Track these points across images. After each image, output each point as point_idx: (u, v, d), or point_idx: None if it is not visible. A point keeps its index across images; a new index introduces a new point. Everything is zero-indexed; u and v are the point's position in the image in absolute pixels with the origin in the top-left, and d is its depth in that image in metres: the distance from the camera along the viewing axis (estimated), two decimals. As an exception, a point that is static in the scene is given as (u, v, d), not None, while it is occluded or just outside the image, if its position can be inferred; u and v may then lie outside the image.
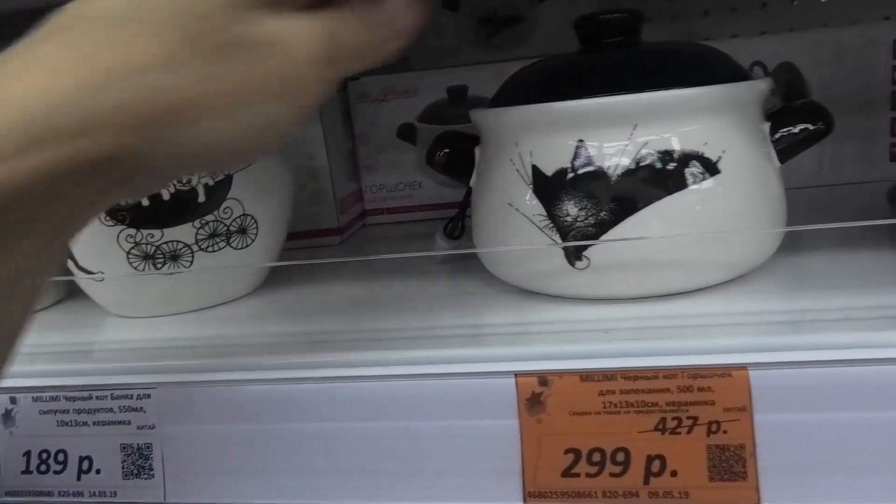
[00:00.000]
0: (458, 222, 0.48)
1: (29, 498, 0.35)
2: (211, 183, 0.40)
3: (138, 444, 0.34)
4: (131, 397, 0.34)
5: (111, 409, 0.34)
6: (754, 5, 0.78)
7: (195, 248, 0.41)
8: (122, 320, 0.43)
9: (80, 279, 0.42)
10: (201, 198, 0.40)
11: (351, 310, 0.40)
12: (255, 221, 0.43)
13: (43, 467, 0.35)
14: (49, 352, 0.38)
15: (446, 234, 0.48)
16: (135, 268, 0.40)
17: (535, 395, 0.30)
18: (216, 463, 0.33)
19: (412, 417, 0.31)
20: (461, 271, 0.45)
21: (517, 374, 0.30)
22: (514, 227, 0.36)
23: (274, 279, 0.47)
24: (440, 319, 0.37)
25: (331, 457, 0.32)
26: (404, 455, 0.31)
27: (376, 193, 0.65)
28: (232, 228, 0.42)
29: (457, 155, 0.42)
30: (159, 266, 0.41)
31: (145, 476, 0.33)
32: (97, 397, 0.34)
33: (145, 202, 0.39)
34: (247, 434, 0.33)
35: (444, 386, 0.30)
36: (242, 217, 0.42)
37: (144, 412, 0.33)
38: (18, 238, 0.21)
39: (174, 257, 0.41)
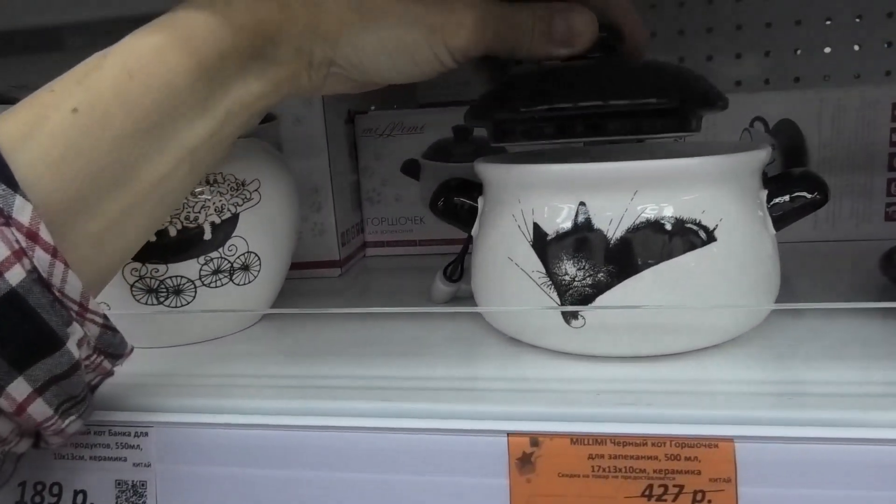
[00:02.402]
0: (457, 265, 0.49)
1: (21, 528, 0.35)
2: (218, 221, 0.41)
3: (133, 481, 0.34)
4: (129, 434, 0.34)
5: (108, 445, 0.34)
6: (758, 53, 0.80)
7: (198, 283, 0.41)
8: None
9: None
10: (207, 235, 0.41)
11: (348, 351, 0.41)
12: (259, 259, 0.43)
13: (37, 499, 0.35)
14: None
15: (446, 277, 0.48)
16: (137, 300, 0.41)
17: (526, 456, 0.30)
18: (210, 503, 0.33)
19: (406, 471, 0.31)
20: (459, 315, 0.46)
21: (510, 434, 0.30)
22: (512, 280, 0.37)
23: (276, 308, 0.48)
24: (436, 370, 0.37)
25: (323, 504, 0.32)
26: (396, 507, 0.31)
27: (378, 226, 0.66)
28: (236, 265, 0.42)
29: (459, 203, 0.42)
30: (162, 300, 0.41)
31: (138, 514, 0.34)
32: (95, 432, 0.35)
33: (152, 238, 0.40)
34: (242, 478, 0.33)
35: (437, 441, 0.31)
36: (247, 254, 0.43)
37: (141, 450, 0.34)
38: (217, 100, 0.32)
39: (177, 292, 0.41)
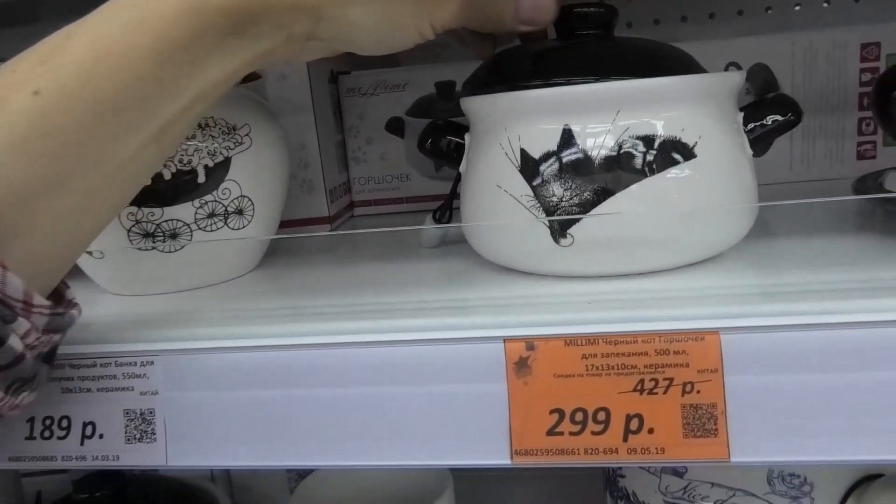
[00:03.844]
0: (446, 209, 0.50)
1: (32, 463, 0.36)
2: (211, 164, 0.42)
3: (141, 410, 0.35)
4: (135, 364, 0.35)
5: (115, 376, 0.35)
6: (731, 12, 0.81)
7: (194, 227, 0.42)
8: (119, 298, 0.45)
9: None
10: (201, 178, 0.42)
11: (343, 288, 0.42)
12: (252, 204, 0.44)
13: (47, 433, 0.36)
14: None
15: (435, 220, 0.50)
16: (134, 245, 0.42)
17: (523, 360, 0.31)
18: (216, 427, 0.34)
19: (407, 382, 0.32)
20: (450, 255, 0.47)
21: (506, 339, 0.32)
22: (502, 207, 0.38)
23: (267, 262, 0.49)
24: (430, 294, 0.38)
25: (327, 420, 0.33)
26: (400, 418, 0.32)
27: (364, 185, 0.67)
28: (230, 209, 0.43)
29: (447, 142, 0.44)
30: (158, 244, 0.42)
31: (147, 440, 0.35)
32: (101, 364, 0.35)
33: (148, 182, 0.40)
34: (246, 400, 0.34)
35: (436, 352, 0.32)
36: (240, 198, 0.43)
37: (147, 378, 0.35)
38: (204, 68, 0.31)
39: (173, 235, 0.42)
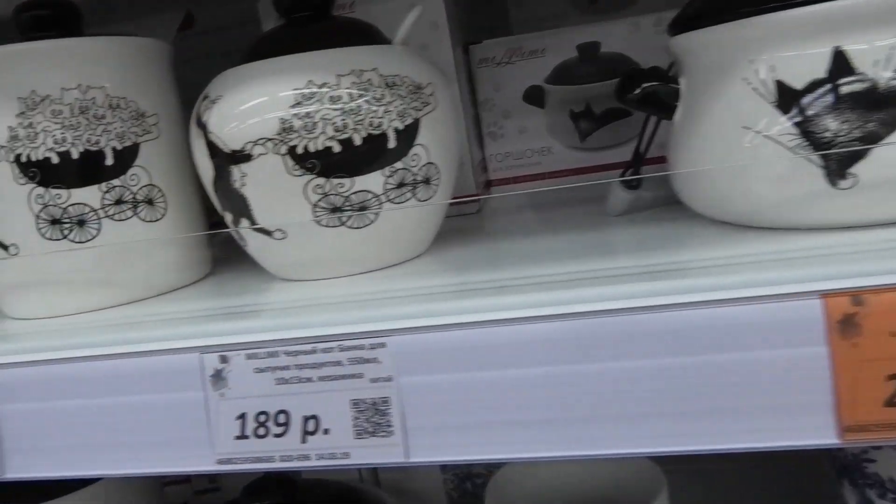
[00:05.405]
0: (637, 171, 0.45)
1: (245, 465, 0.32)
2: (401, 127, 0.37)
3: (372, 399, 0.31)
4: (363, 348, 0.31)
5: (339, 363, 0.31)
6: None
7: (383, 198, 0.38)
8: (298, 284, 0.40)
9: (253, 241, 0.39)
10: (391, 143, 0.37)
11: (548, 257, 0.37)
12: (439, 171, 0.40)
13: (261, 431, 0.32)
14: (246, 311, 0.36)
15: (625, 185, 0.45)
16: (320, 223, 0.38)
17: (848, 317, 0.26)
18: (464, 416, 0.30)
19: (704, 350, 0.27)
20: (654, 220, 0.42)
21: (824, 294, 0.26)
22: (753, 150, 0.33)
23: (439, 242, 0.44)
24: (683, 255, 0.33)
25: (606, 396, 0.29)
26: (695, 391, 0.28)
27: (501, 162, 0.62)
28: (419, 178, 0.39)
29: (656, 89, 0.39)
30: (345, 220, 0.38)
31: (382, 433, 0.30)
32: (322, 350, 0.31)
33: (336, 147, 0.36)
34: (495, 381, 0.30)
35: (729, 314, 0.27)
36: (428, 166, 0.39)
37: (379, 363, 0.30)
38: None
39: (362, 209, 0.38)
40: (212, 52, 0.66)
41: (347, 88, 0.36)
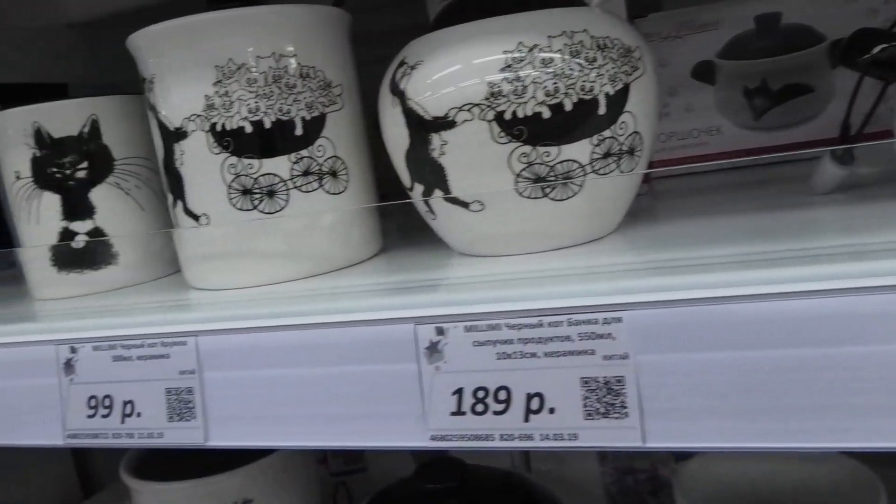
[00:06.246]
0: (850, 145, 0.41)
1: (462, 442, 0.30)
2: (611, 92, 0.35)
3: (605, 377, 0.28)
4: (596, 322, 0.29)
5: (568, 337, 0.29)
6: None
7: (588, 168, 0.36)
8: (485, 260, 0.39)
9: (444, 212, 0.38)
10: (602, 109, 0.35)
11: (752, 234, 0.34)
12: (642, 141, 0.37)
13: (480, 407, 0.30)
14: (448, 284, 0.34)
15: (836, 159, 0.41)
16: (521, 194, 0.36)
17: None
18: (704, 398, 0.27)
19: None
20: (869, 200, 0.38)
21: None
22: None
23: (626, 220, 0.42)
24: None
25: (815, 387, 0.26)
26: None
27: (665, 142, 0.59)
28: (624, 148, 0.36)
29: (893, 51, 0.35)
30: (549, 191, 0.36)
31: (615, 415, 0.28)
32: (550, 324, 0.29)
33: (546, 113, 0.34)
34: (737, 362, 0.27)
35: None
36: (633, 135, 0.37)
37: (614, 339, 0.28)
38: None
39: (566, 179, 0.36)
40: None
41: (559, 51, 0.34)
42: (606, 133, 0.36)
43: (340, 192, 0.42)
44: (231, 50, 0.39)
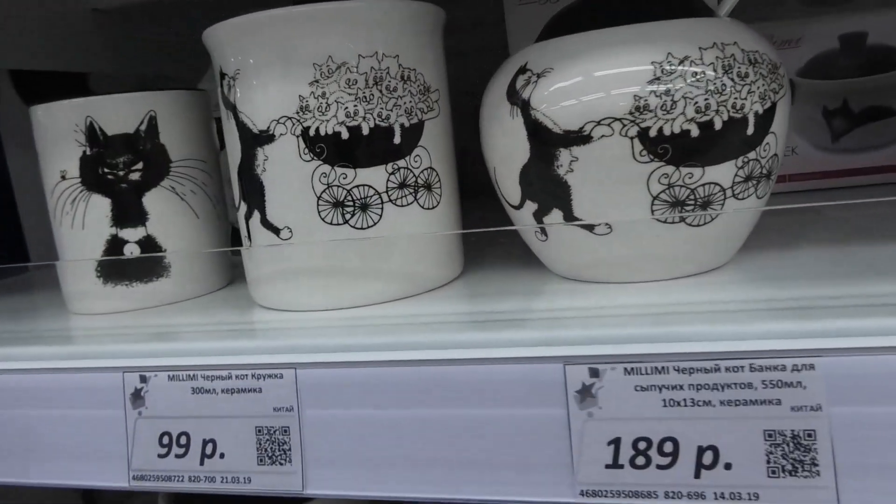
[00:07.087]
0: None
1: (618, 500, 0.27)
2: (760, 111, 0.32)
3: (792, 431, 0.25)
4: (783, 369, 0.26)
5: (750, 384, 0.26)
6: None
7: (728, 192, 0.33)
8: (590, 287, 0.36)
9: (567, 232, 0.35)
10: (750, 129, 0.32)
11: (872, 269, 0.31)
12: (778, 164, 0.34)
13: (641, 460, 0.27)
14: (579, 315, 0.31)
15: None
16: (657, 218, 0.33)
17: None
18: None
19: None
20: None
21: None
22: None
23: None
24: None
25: None
26: None
27: (737, 161, 0.56)
28: (764, 171, 0.34)
29: None
30: (686, 216, 0.33)
31: (804, 473, 0.25)
32: (727, 368, 0.26)
33: (694, 131, 0.31)
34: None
35: None
36: (773, 158, 0.34)
37: (804, 388, 0.25)
38: None
39: (704, 205, 0.33)
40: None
41: (711, 64, 0.31)
42: (751, 155, 0.33)
43: (434, 207, 0.39)
44: (332, 46, 0.35)
